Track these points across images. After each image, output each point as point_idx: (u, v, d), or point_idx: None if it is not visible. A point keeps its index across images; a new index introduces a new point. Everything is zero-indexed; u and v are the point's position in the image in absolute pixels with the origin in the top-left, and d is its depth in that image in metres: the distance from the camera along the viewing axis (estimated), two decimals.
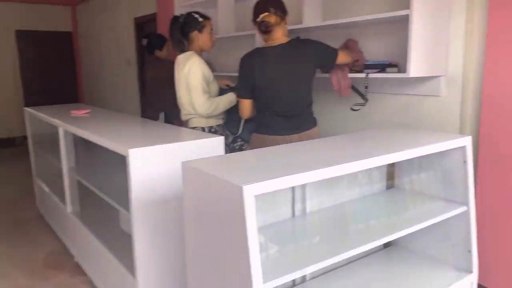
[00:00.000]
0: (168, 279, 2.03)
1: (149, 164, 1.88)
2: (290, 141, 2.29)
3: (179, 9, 4.12)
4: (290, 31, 2.63)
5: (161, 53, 3.90)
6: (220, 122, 2.89)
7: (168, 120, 3.80)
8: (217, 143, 2.11)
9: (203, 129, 2.81)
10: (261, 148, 1.71)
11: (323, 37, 2.91)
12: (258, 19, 2.24)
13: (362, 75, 2.44)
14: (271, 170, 1.35)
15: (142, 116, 3.98)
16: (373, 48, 2.65)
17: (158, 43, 3.90)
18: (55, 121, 2.93)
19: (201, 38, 2.79)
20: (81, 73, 7.95)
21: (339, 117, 2.94)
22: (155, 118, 3.77)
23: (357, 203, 1.97)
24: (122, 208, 2.06)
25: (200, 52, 2.83)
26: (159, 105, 3.81)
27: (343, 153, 1.60)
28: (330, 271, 1.91)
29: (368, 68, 2.47)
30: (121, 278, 2.15)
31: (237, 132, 2.70)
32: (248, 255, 1.17)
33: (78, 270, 2.88)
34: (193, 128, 2.83)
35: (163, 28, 4.73)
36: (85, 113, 3.26)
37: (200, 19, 2.79)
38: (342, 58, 2.39)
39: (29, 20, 7.36)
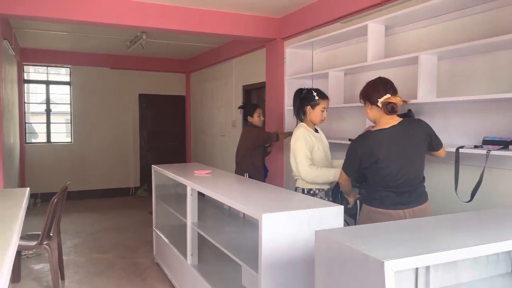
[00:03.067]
0: None
1: (278, 228, 2.07)
2: (404, 216, 2.34)
3: (289, 81, 4.51)
4: (405, 106, 2.77)
5: (252, 119, 4.39)
6: (324, 187, 3.06)
7: None
8: (338, 211, 2.25)
9: (303, 190, 3.07)
10: (390, 222, 1.81)
11: (435, 111, 3.00)
12: (382, 100, 2.39)
13: (482, 151, 2.45)
14: (409, 246, 1.45)
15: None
16: (491, 125, 2.66)
17: (249, 110, 4.41)
18: (184, 180, 3.32)
19: (312, 113, 3.08)
20: (190, 133, 8.76)
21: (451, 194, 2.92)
22: None
23: (480, 284, 1.93)
24: (247, 266, 2.26)
25: (311, 124, 3.11)
26: (244, 167, 4.26)
27: (482, 234, 1.64)
28: None
29: (488, 144, 2.48)
30: None
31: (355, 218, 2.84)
32: None
33: None
34: (296, 188, 3.10)
35: (270, 95, 5.16)
36: (207, 173, 3.64)
37: (316, 98, 3.08)
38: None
39: (150, 85, 8.44)
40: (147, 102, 8.43)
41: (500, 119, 2.61)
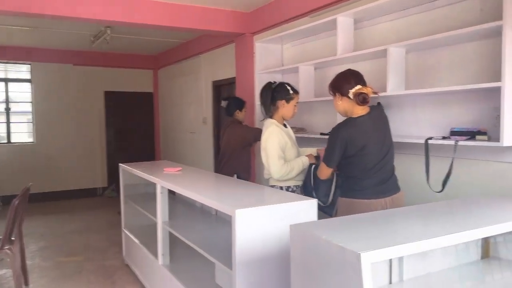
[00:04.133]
0: None
1: (252, 224, 2.03)
2: (385, 204, 2.36)
3: (260, 75, 4.47)
4: (374, 98, 2.79)
5: (241, 114, 4.22)
6: (299, 183, 3.04)
7: None
8: (311, 205, 2.23)
9: (281, 188, 3.00)
10: (364, 213, 1.80)
11: (404, 104, 3.04)
12: (353, 90, 2.39)
13: (451, 142, 2.50)
14: (384, 237, 1.44)
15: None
16: (458, 116, 2.71)
17: (238, 105, 4.22)
18: (153, 179, 3.22)
19: (285, 108, 3.03)
20: (159, 130, 8.58)
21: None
22: None
23: (452, 272, 1.96)
24: (220, 263, 2.21)
25: (281, 119, 3.06)
26: (233, 167, 4.05)
27: (453, 223, 1.65)
28: None
29: (456, 135, 2.52)
30: None
31: (327, 201, 2.80)
32: None
33: None
34: (272, 186, 3.01)
35: (241, 91, 5.11)
36: (177, 170, 3.55)
37: (291, 92, 3.04)
38: None
39: (116, 82, 8.20)
40: (114, 99, 8.18)
41: (466, 110, 2.66)
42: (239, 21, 4.92)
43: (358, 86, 2.37)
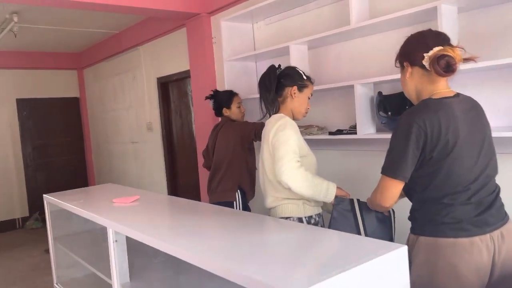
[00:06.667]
0: None
1: None
2: (492, 244, 1.47)
3: (228, 64, 3.48)
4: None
5: (229, 112, 3.08)
6: (320, 211, 2.13)
7: (244, 201, 2.97)
8: (401, 254, 1.31)
9: (300, 219, 2.06)
10: None
11: (467, 83, 2.20)
12: (431, 53, 1.48)
13: None
14: None
15: (213, 196, 3.04)
16: None
17: (223, 100, 3.09)
18: (102, 220, 2.10)
19: (297, 99, 2.10)
20: (89, 143, 7.18)
21: None
22: (231, 197, 2.95)
23: None
24: None
25: (290, 117, 2.12)
26: (233, 179, 2.95)
27: None
28: None
29: None
30: None
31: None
32: None
33: None
34: (286, 218, 2.06)
35: (198, 87, 4.08)
36: (133, 201, 2.45)
37: (305, 77, 2.12)
38: None
39: (30, 87, 6.68)
40: (29, 108, 6.64)
41: None
42: None
43: (439, 48, 1.48)
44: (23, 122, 6.61)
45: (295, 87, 2.07)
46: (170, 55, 4.76)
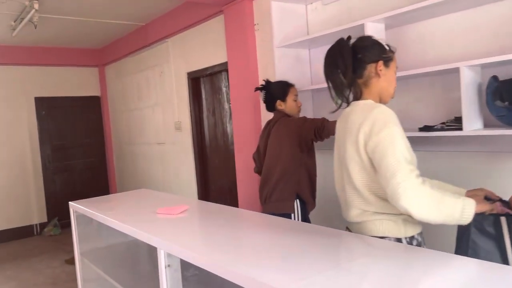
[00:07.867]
0: None
1: None
2: None
3: (279, 51, 3.02)
4: None
5: (283, 106, 2.58)
6: (420, 229, 1.64)
7: (304, 212, 2.50)
8: None
9: (398, 240, 1.57)
10: None
11: None
12: None
13: None
14: None
15: (266, 206, 2.56)
16: None
17: (277, 92, 2.60)
18: (150, 238, 1.65)
19: (384, 79, 1.62)
20: (111, 144, 6.78)
21: None
22: (288, 208, 2.47)
23: None
24: None
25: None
26: (291, 185, 2.47)
27: None
28: None
29: None
30: None
31: None
32: None
33: None
34: (381, 237, 1.57)
35: (237, 81, 3.64)
36: (180, 212, 1.99)
37: (387, 47, 1.65)
38: None
39: (50, 85, 6.32)
40: (48, 107, 6.27)
41: None
42: None
43: None
44: (41, 122, 6.24)
45: (380, 63, 1.60)
46: (202, 47, 4.32)
